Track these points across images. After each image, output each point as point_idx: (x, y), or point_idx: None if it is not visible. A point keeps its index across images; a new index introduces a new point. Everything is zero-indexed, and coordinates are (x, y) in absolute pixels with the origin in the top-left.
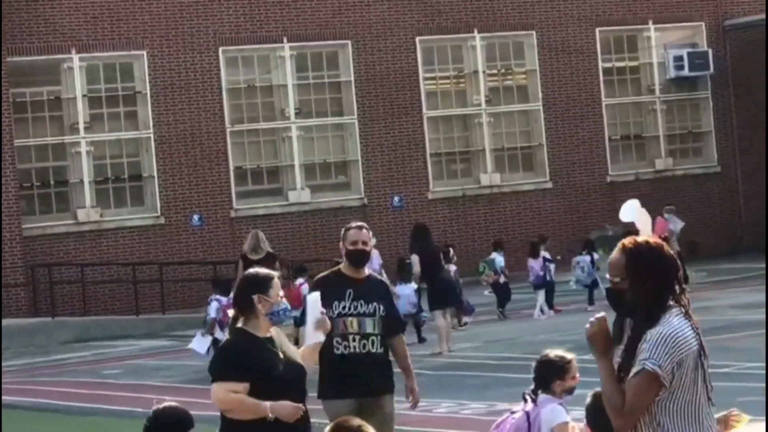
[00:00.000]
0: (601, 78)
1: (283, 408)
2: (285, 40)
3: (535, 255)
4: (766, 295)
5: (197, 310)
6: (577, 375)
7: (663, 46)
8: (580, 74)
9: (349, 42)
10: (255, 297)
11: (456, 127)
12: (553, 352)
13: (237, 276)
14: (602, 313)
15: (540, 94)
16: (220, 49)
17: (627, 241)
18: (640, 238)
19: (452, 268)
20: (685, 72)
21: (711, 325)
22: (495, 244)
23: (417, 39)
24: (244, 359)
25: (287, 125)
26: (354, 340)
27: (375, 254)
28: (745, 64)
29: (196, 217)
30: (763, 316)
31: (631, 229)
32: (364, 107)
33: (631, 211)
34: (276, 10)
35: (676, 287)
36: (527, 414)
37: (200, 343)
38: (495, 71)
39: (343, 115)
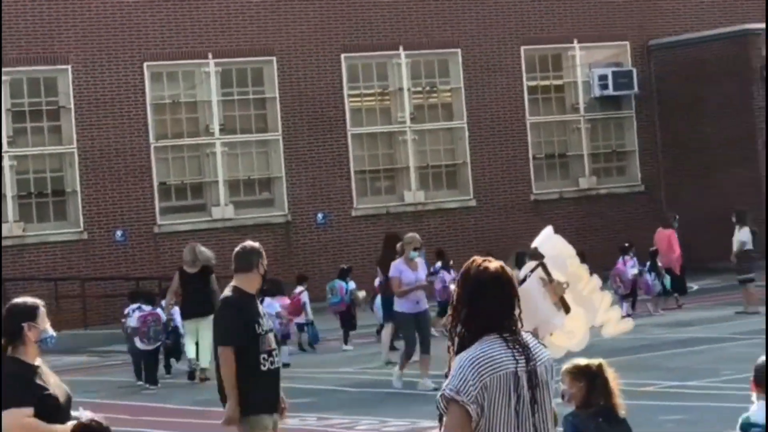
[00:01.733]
0: (526, 96)
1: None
2: (210, 56)
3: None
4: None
5: (120, 325)
6: None
7: (588, 65)
8: (505, 92)
9: (274, 58)
10: (25, 325)
11: (380, 144)
12: None
13: (172, 287)
14: None
15: (465, 112)
16: (145, 64)
17: (476, 259)
18: (479, 261)
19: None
20: (610, 91)
21: (634, 343)
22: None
23: (342, 56)
24: (25, 385)
25: (211, 141)
26: (274, 355)
27: (421, 263)
28: (670, 83)
29: (119, 232)
30: (686, 336)
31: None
32: (289, 123)
33: (543, 236)
34: (201, 25)
35: (506, 315)
36: None
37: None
38: (420, 88)
39: (267, 132)
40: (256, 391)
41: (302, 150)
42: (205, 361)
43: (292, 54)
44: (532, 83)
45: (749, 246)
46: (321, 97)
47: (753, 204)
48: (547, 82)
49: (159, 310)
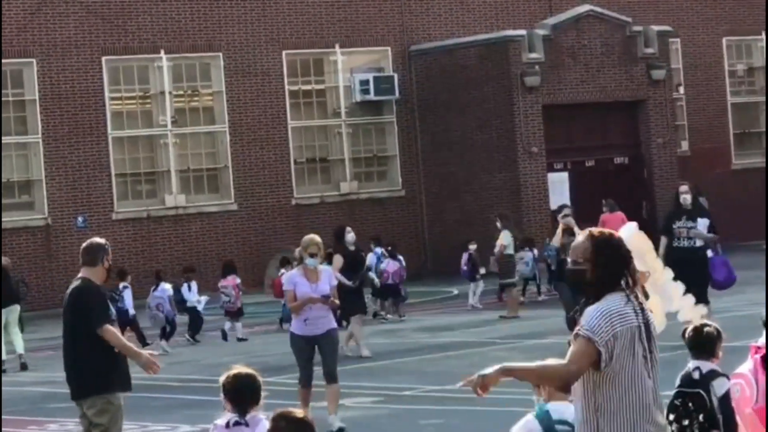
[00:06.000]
0: (288, 101)
1: None
2: None
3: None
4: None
5: None
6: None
7: (349, 70)
8: (267, 97)
9: (35, 60)
10: None
11: (142, 148)
12: (244, 371)
13: None
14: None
15: (226, 116)
16: None
17: (594, 230)
18: (605, 230)
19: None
20: (371, 96)
21: (394, 348)
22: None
23: (103, 58)
24: None
25: None
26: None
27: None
28: (430, 89)
29: None
30: (446, 340)
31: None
32: (49, 126)
33: (627, 230)
34: None
35: (627, 275)
36: None
37: None
38: (181, 92)
39: (27, 134)
40: (114, 370)
41: (63, 153)
42: (20, 347)
43: (53, 56)
44: (294, 88)
45: (510, 250)
46: (82, 99)
47: (513, 208)
48: (308, 87)
49: None
